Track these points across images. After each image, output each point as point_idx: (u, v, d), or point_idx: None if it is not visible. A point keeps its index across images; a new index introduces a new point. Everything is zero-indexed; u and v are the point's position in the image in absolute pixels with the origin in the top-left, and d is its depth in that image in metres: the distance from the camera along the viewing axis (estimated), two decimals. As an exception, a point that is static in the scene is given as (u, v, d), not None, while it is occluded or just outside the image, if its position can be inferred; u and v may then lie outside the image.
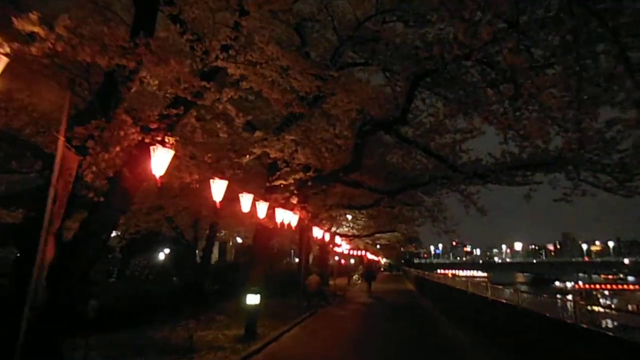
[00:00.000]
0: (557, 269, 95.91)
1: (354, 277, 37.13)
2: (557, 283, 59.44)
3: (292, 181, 10.93)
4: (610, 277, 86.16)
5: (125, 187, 5.41)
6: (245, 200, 8.10)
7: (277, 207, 10.80)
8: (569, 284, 54.40)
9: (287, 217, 11.18)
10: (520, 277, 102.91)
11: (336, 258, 46.96)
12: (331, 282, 29.08)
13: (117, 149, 4.66)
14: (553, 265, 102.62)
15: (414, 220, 24.69)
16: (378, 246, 48.16)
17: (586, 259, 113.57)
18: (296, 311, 13.03)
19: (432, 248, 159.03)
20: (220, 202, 6.97)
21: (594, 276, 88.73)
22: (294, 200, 11.21)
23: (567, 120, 8.07)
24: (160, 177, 4.96)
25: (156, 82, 5.33)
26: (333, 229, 27.45)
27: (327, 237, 19.16)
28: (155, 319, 10.28)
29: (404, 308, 15.60)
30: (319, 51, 10.27)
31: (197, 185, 6.98)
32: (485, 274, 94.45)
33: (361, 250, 39.69)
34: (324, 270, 26.68)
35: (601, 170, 9.24)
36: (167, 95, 6.24)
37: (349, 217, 27.91)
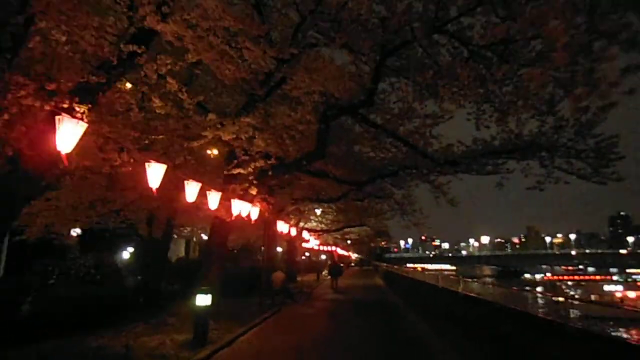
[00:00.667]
0: (521, 261, 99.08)
1: (323, 273, 36.53)
2: (526, 275, 60.77)
3: (251, 170, 10.06)
4: (570, 268, 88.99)
5: (28, 168, 4.42)
6: (191, 189, 7.17)
7: (234, 198, 9.91)
8: (537, 276, 55.73)
9: (245, 210, 10.30)
10: (487, 270, 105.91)
11: (307, 254, 46.35)
12: (299, 279, 28.38)
13: (5, 116, 3.68)
14: (518, 258, 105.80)
15: (383, 213, 24.25)
16: (349, 241, 47.80)
17: (556, 252, 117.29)
18: (257, 310, 12.15)
19: (402, 243, 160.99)
20: (159, 189, 6.04)
21: (556, 268, 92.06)
22: (253, 191, 10.33)
23: (542, 101, 7.56)
24: (67, 155, 4.01)
25: (63, 38, 4.33)
26: (301, 223, 26.70)
27: (294, 231, 18.35)
28: (99, 325, 9.19)
29: (372, 304, 15.00)
30: (280, 31, 9.41)
31: (130, 169, 6.02)
32: (453, 268, 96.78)
33: (331, 246, 39.13)
34: (292, 267, 25.90)
35: (575, 156, 8.84)
36: (89, 61, 5.24)
37: (318, 211, 27.23)
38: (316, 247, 33.07)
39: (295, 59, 8.27)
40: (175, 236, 30.19)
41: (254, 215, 10.89)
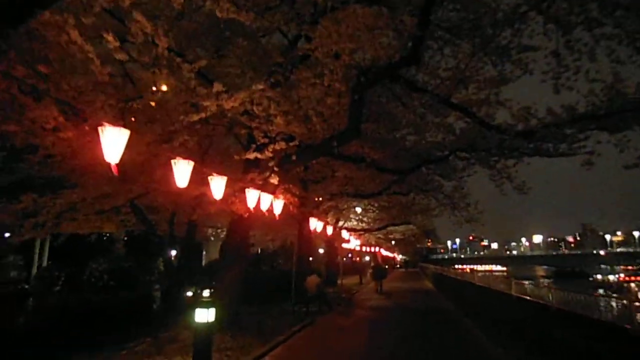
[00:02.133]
0: (578, 260, 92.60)
1: (368, 275, 34.38)
2: (597, 276, 54.58)
3: (270, 154, 8.32)
4: (630, 268, 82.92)
5: None
6: (181, 169, 5.48)
7: (252, 188, 8.20)
8: (611, 277, 49.90)
9: (265, 202, 8.57)
10: (540, 271, 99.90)
11: (350, 255, 44.31)
12: (340, 282, 26.47)
13: None
14: (574, 257, 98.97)
15: (431, 209, 21.89)
16: (393, 242, 45.33)
17: (614, 250, 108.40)
18: (287, 322, 10.38)
19: (449, 243, 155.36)
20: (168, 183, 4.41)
21: (615, 267, 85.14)
22: (274, 180, 8.58)
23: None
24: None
25: None
26: (341, 222, 24.80)
27: (330, 230, 16.48)
28: (97, 341, 7.77)
29: (423, 314, 12.81)
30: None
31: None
32: (504, 268, 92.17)
33: (374, 246, 36.90)
34: (332, 269, 24.04)
35: None
36: None
37: (359, 209, 25.26)
38: (357, 248, 31.00)
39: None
40: (212, 238, 29.23)
41: (277, 209, 9.15)
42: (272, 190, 8.85)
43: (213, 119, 7.96)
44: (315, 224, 13.68)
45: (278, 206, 9.22)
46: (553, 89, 7.19)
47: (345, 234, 22.35)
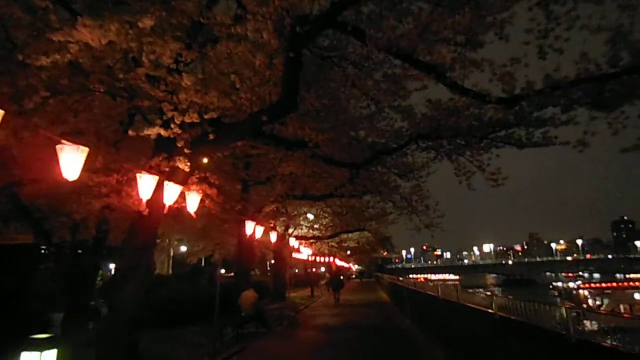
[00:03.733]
0: (526, 269, 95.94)
1: (321, 285, 32.41)
2: (557, 284, 55.41)
3: (179, 130, 6.23)
4: (571, 275, 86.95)
5: None
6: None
7: (152, 174, 6.04)
8: (572, 284, 50.52)
9: (171, 195, 6.41)
10: (490, 279, 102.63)
11: (304, 267, 42.18)
12: (290, 294, 24.30)
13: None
14: (523, 265, 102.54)
15: (386, 215, 20.32)
16: (348, 252, 43.71)
17: (570, 258, 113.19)
18: (205, 352, 8.14)
19: (403, 253, 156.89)
20: None
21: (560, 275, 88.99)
22: (184, 166, 6.46)
23: None
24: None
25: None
26: (290, 230, 22.72)
27: (274, 237, 14.39)
28: None
29: (378, 334, 10.90)
30: None
31: None
32: (457, 277, 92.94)
33: (327, 256, 35.02)
34: (280, 282, 21.84)
35: None
36: None
37: (310, 216, 23.33)
38: (309, 258, 28.98)
39: None
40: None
41: (191, 205, 7.01)
42: (182, 180, 6.71)
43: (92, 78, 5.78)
44: (252, 229, 11.53)
45: (193, 201, 7.08)
46: (538, 53, 5.59)
47: (294, 242, 20.30)
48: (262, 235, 15.58)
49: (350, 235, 25.29)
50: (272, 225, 16.01)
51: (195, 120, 6.18)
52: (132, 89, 6.69)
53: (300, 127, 7.56)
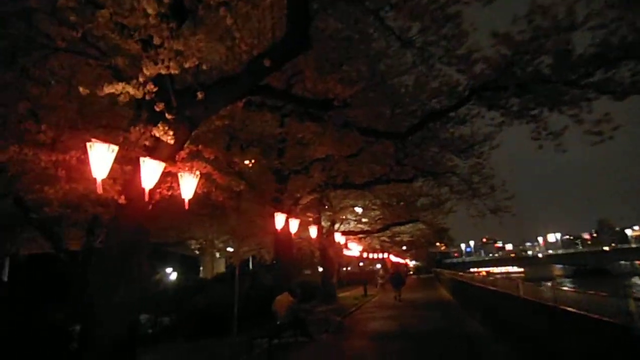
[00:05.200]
0: (597, 258, 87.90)
1: (379, 284, 30.27)
2: None
3: (153, 87, 4.68)
4: None
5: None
6: None
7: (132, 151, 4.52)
8: None
9: (150, 174, 4.87)
10: (558, 270, 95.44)
11: (360, 264, 40.30)
12: (343, 294, 22.54)
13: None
14: (593, 255, 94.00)
15: (442, 202, 17.99)
16: (403, 247, 41.26)
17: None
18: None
19: (462, 246, 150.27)
20: None
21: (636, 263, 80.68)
22: (168, 138, 4.88)
23: None
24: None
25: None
26: (337, 225, 20.96)
27: (314, 232, 12.69)
28: None
29: (444, 345, 8.80)
30: None
31: None
32: (521, 270, 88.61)
33: (379, 252, 32.87)
34: (328, 282, 20.11)
35: None
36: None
37: (358, 209, 21.43)
38: (362, 255, 27.07)
39: None
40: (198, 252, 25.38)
41: (186, 190, 5.42)
42: (167, 156, 5.13)
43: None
44: (283, 222, 9.88)
45: (187, 185, 5.49)
46: None
47: (340, 238, 18.48)
48: (302, 230, 13.98)
49: (402, 228, 23.06)
50: (311, 218, 14.34)
51: (173, 71, 4.57)
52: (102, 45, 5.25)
53: (322, 79, 5.73)
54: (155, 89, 4.67)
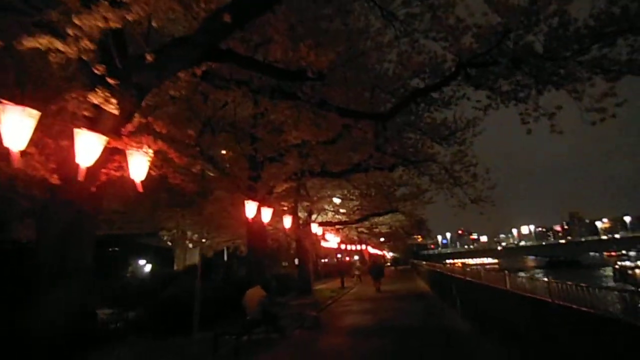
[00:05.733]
0: (568, 249, 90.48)
1: (354, 276, 29.91)
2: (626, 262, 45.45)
3: (90, 45, 3.89)
4: (613, 254, 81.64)
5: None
6: None
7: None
8: (628, 263, 43.22)
9: (88, 150, 4.11)
10: (531, 262, 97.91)
11: (338, 256, 39.86)
12: (318, 287, 22.01)
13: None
14: (564, 246, 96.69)
15: (421, 193, 17.59)
16: (381, 238, 41.09)
17: (618, 235, 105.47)
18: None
19: (439, 238, 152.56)
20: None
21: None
22: (106, 103, 4.11)
23: None
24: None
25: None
26: (314, 216, 20.36)
27: (287, 223, 12.02)
28: None
29: (425, 342, 8.32)
30: None
31: None
32: (495, 261, 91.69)
33: (357, 244, 32.51)
34: (304, 274, 19.53)
35: None
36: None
37: (337, 200, 20.88)
38: (337, 246, 26.57)
39: None
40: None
41: (136, 170, 4.67)
42: (111, 129, 4.37)
43: None
44: (254, 211, 9.19)
45: (138, 163, 4.74)
46: None
47: (317, 229, 17.88)
48: (278, 221, 13.30)
49: (381, 219, 22.64)
50: (286, 208, 13.67)
51: (113, 25, 3.80)
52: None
53: (293, 46, 5.03)
54: (93, 47, 3.90)
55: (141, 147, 4.71)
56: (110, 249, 40.69)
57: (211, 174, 11.91)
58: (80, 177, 4.07)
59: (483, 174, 11.77)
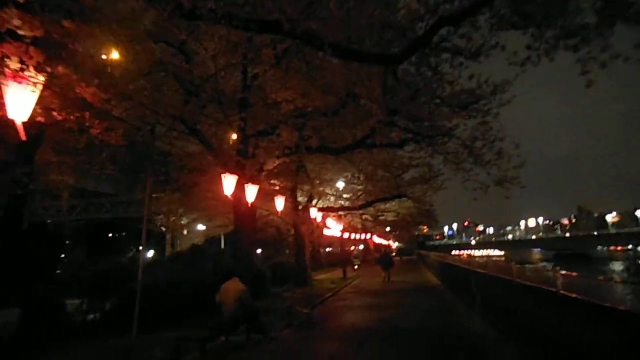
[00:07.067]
0: (576, 243, 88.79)
1: (355, 266, 28.35)
2: None
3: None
4: (619, 249, 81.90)
5: None
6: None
7: None
8: None
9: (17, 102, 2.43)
10: (537, 255, 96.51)
11: (341, 245, 38.34)
12: (319, 278, 20.46)
13: None
14: (572, 240, 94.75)
15: (433, 176, 15.84)
16: (387, 228, 39.44)
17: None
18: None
19: (445, 229, 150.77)
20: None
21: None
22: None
23: None
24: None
25: None
26: (315, 201, 18.69)
27: (280, 205, 10.37)
28: None
29: (440, 353, 6.63)
30: None
31: None
32: (501, 253, 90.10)
33: (361, 233, 30.84)
34: (301, 263, 17.91)
35: None
36: None
37: (340, 184, 19.22)
38: (340, 234, 24.97)
39: None
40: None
41: (14, 109, 3.00)
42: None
43: None
44: (232, 187, 7.54)
45: (18, 98, 3.06)
46: None
47: (316, 214, 16.23)
48: (274, 205, 11.69)
49: (388, 205, 20.93)
50: (278, 187, 12.00)
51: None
52: None
53: None
54: None
55: (23, 77, 3.06)
56: (117, 235, 39.39)
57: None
58: None
59: (510, 150, 9.99)
